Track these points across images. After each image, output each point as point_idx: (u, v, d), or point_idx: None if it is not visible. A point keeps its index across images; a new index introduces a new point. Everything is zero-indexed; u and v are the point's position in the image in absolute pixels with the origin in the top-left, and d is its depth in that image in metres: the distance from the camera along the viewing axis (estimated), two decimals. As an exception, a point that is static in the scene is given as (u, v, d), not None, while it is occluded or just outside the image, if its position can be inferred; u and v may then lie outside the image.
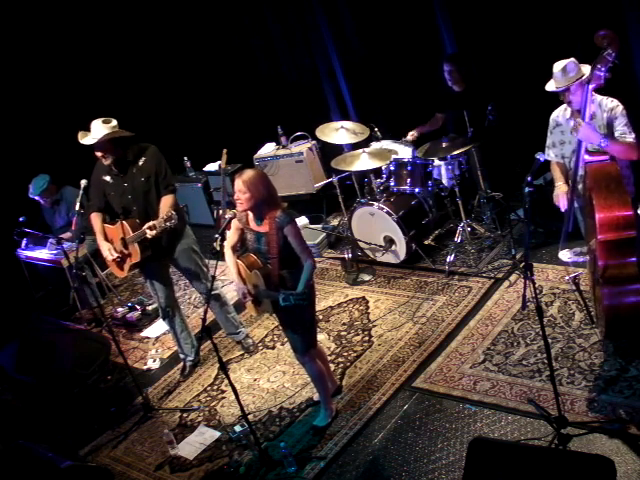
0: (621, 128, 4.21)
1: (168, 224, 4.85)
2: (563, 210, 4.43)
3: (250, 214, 4.29)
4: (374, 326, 5.51)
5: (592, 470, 2.85)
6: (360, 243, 6.34)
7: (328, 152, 7.16)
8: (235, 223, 4.42)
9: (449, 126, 6.56)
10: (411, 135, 6.49)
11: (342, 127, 6.40)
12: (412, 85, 6.85)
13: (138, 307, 6.71)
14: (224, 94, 8.31)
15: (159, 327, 6.40)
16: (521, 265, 5.35)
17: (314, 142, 7.31)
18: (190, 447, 4.89)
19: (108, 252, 5.14)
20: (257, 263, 4.31)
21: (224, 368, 4.37)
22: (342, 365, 5.18)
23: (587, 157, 4.16)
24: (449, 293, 5.62)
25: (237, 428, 4.73)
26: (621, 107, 4.24)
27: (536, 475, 2.97)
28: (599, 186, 3.96)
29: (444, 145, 5.93)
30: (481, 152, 6.04)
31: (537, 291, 4.22)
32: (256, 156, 7.57)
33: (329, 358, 5.13)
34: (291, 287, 4.21)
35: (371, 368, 5.07)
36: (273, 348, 5.64)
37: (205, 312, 4.47)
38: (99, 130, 4.91)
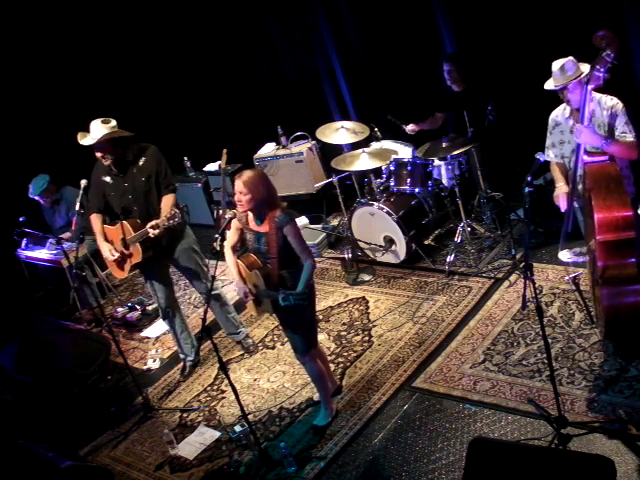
0: (621, 127, 4.21)
1: (172, 222, 4.85)
2: (563, 210, 4.43)
3: (250, 214, 4.29)
4: (374, 326, 5.51)
5: (592, 470, 2.85)
6: (360, 243, 6.34)
7: (328, 152, 7.16)
8: (235, 223, 4.42)
9: (449, 126, 6.56)
10: (410, 129, 6.42)
11: (342, 127, 6.40)
12: (412, 85, 6.85)
13: (138, 307, 6.71)
14: (224, 94, 8.31)
15: (159, 327, 6.40)
16: (521, 265, 5.35)
17: (314, 142, 7.31)
18: (190, 447, 4.89)
19: (109, 253, 5.14)
20: (257, 263, 4.31)
21: (224, 368, 4.37)
22: (342, 365, 5.18)
23: (586, 157, 4.16)
24: (449, 293, 5.62)
25: (237, 428, 4.73)
26: (621, 105, 4.23)
27: (536, 475, 2.97)
28: (598, 186, 3.95)
29: (444, 145, 5.93)
30: (481, 152, 6.04)
31: (537, 291, 4.22)
32: (256, 156, 7.57)
33: (329, 358, 5.13)
34: (291, 287, 4.21)
35: (371, 368, 5.07)
36: (273, 348, 5.64)
37: (205, 312, 4.47)
38: (98, 130, 4.90)
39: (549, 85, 4.29)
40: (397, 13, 6.68)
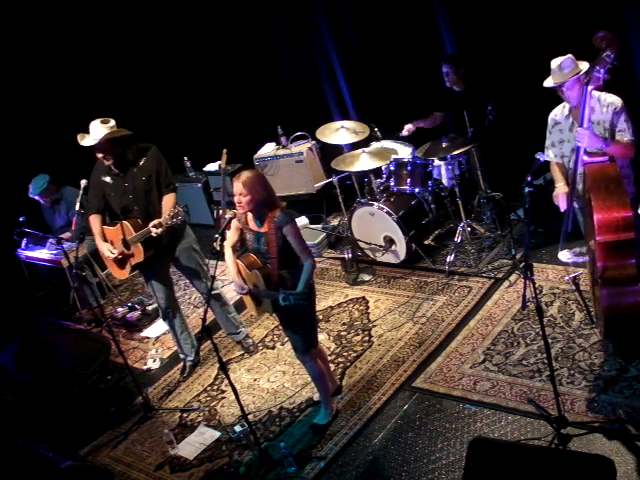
0: (621, 125, 4.21)
1: (174, 220, 4.86)
2: (563, 210, 4.43)
3: (249, 214, 4.29)
4: (374, 326, 5.51)
5: (592, 470, 2.85)
6: (360, 243, 6.34)
7: (328, 152, 7.16)
8: (235, 223, 4.42)
9: (449, 126, 6.55)
10: (407, 129, 6.40)
11: (342, 127, 6.40)
12: (412, 85, 6.85)
13: (138, 307, 6.72)
14: (224, 94, 8.31)
15: (159, 327, 6.40)
16: (521, 265, 5.35)
17: (314, 142, 7.31)
18: (190, 447, 4.89)
19: (108, 251, 5.14)
20: (257, 263, 4.31)
21: (224, 368, 4.37)
22: (342, 365, 5.19)
23: (586, 158, 4.15)
24: (449, 293, 5.62)
25: (237, 428, 4.74)
26: (621, 102, 4.23)
27: (536, 475, 2.97)
28: (598, 187, 3.95)
29: (444, 145, 5.93)
30: (481, 152, 6.04)
31: (537, 291, 4.22)
32: (256, 156, 7.57)
33: (329, 358, 5.13)
34: (291, 287, 4.21)
35: (371, 368, 5.07)
36: (273, 348, 5.64)
37: (205, 312, 4.47)
38: (98, 131, 4.90)
39: (548, 83, 4.30)
40: (397, 13, 6.68)
